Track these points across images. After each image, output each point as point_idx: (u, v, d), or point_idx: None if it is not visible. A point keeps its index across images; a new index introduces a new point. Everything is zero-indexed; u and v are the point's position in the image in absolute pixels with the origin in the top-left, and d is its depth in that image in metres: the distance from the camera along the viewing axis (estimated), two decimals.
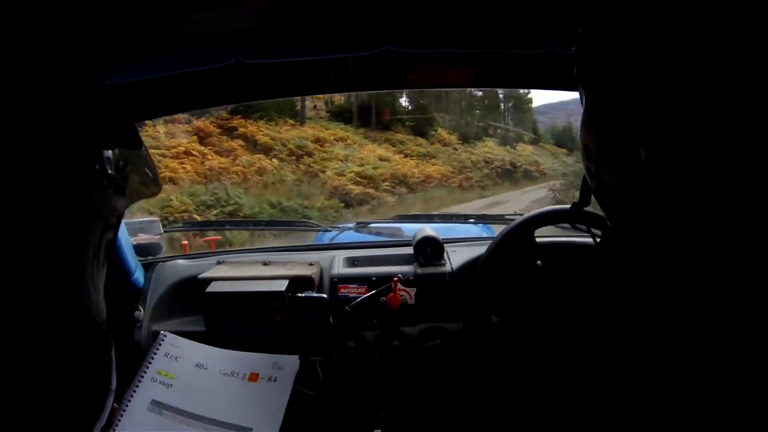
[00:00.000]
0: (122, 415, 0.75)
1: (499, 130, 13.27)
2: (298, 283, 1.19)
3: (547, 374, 1.06)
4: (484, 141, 12.49)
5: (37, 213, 0.48)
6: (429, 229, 1.32)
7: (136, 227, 1.34)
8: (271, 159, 9.15)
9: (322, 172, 9.39)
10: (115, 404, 0.75)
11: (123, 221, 1.17)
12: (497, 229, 1.21)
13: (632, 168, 0.51)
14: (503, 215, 1.56)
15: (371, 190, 9.46)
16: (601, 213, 1.01)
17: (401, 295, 1.18)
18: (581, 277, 1.05)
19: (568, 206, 1.05)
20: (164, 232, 1.40)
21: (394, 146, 11.27)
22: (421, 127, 11.89)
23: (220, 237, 1.74)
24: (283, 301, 1.14)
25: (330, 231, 1.69)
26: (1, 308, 0.46)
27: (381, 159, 10.50)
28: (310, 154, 9.69)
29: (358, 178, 9.57)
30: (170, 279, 1.26)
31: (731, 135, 0.45)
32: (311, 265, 1.27)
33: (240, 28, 0.72)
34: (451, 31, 0.76)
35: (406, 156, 11.07)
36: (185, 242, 1.71)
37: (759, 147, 0.44)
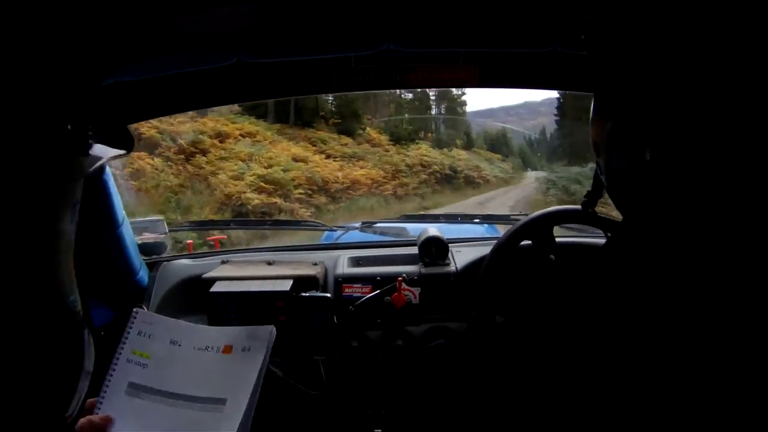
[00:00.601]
0: (101, 402, 0.73)
1: (431, 134, 12.10)
2: (302, 282, 1.19)
3: (550, 375, 1.05)
4: (418, 143, 11.00)
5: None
6: (434, 229, 1.32)
7: (141, 226, 1.34)
8: (153, 158, 7.10)
9: (215, 174, 7.33)
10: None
11: (128, 220, 1.18)
12: (502, 229, 1.21)
13: (639, 166, 0.50)
14: (508, 215, 1.55)
15: (278, 200, 7.33)
16: (608, 214, 1.01)
17: (406, 295, 1.17)
18: (587, 278, 1.04)
19: (578, 206, 1.04)
20: (169, 231, 1.40)
21: (314, 145, 9.30)
22: (347, 125, 10.24)
23: (224, 236, 1.74)
24: (288, 301, 1.14)
25: (335, 231, 1.69)
26: None
27: (296, 159, 8.40)
28: (204, 152, 7.58)
29: (262, 183, 7.42)
30: (174, 278, 1.26)
31: (735, 136, 0.45)
32: (316, 264, 1.27)
33: (241, 28, 0.72)
34: (452, 30, 0.76)
35: (328, 157, 9.10)
36: (190, 241, 1.72)
37: (761, 148, 0.44)
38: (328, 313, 1.15)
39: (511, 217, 1.52)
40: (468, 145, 12.54)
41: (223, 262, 1.30)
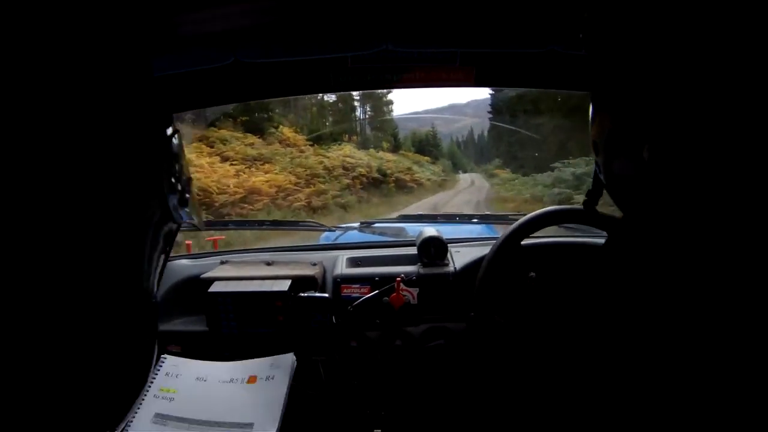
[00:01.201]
0: (126, 431, 0.75)
1: (356, 136, 10.52)
2: (301, 283, 1.19)
3: (549, 374, 1.05)
4: (341, 144, 9.17)
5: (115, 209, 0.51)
6: (433, 229, 1.32)
7: None
8: None
9: None
10: None
11: None
12: (500, 229, 1.21)
13: (638, 164, 0.51)
14: (507, 215, 1.55)
15: None
16: (606, 212, 1.01)
17: (404, 295, 1.17)
18: (584, 277, 1.04)
19: (576, 206, 1.04)
20: None
21: (211, 146, 7.38)
22: (257, 123, 8.37)
23: (224, 237, 1.74)
24: (286, 301, 1.14)
25: (333, 231, 1.69)
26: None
27: None
28: None
29: None
30: (173, 278, 1.26)
31: (733, 135, 0.45)
32: (314, 265, 1.27)
33: (239, 28, 0.72)
34: (449, 30, 0.76)
35: (225, 160, 7.23)
36: (189, 242, 1.71)
37: (759, 147, 0.44)
38: (327, 314, 1.15)
39: (510, 216, 1.52)
40: (395, 148, 11.05)
41: (222, 263, 1.30)
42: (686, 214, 0.50)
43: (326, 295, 1.16)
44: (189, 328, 1.18)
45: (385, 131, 11.31)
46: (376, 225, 1.71)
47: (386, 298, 1.18)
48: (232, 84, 0.93)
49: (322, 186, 7.84)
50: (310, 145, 8.56)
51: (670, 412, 0.52)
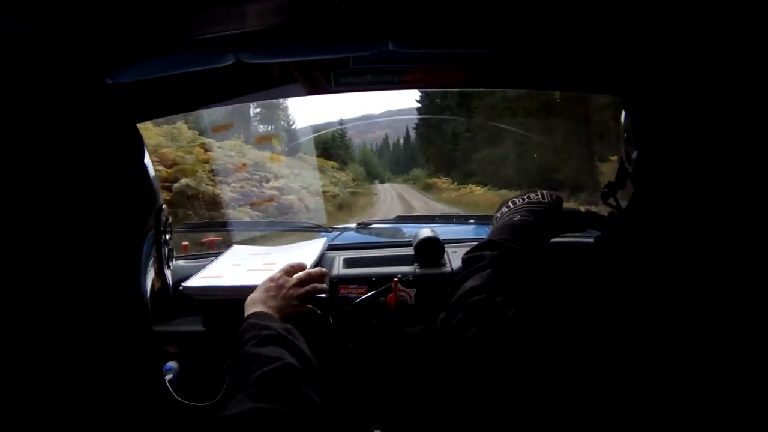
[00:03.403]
0: None
1: (243, 134, 8.15)
2: None
3: (550, 373, 1.06)
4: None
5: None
6: (429, 230, 1.32)
7: None
8: None
9: None
10: None
11: None
12: None
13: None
14: None
15: None
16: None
17: (401, 296, 1.18)
18: (580, 275, 1.04)
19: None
20: None
21: None
22: None
23: (220, 238, 1.73)
24: None
25: (330, 231, 1.69)
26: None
27: None
28: None
29: None
30: (171, 279, 1.25)
31: (731, 133, 0.46)
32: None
33: (240, 29, 0.72)
34: (451, 31, 0.76)
35: None
36: (185, 243, 1.71)
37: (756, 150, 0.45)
38: (324, 314, 1.15)
39: None
40: (293, 150, 8.55)
41: None
42: (683, 212, 0.51)
43: (324, 294, 1.16)
44: (186, 328, 1.18)
45: (276, 126, 8.36)
46: (373, 226, 1.71)
47: (383, 299, 1.18)
48: (234, 84, 0.93)
49: None
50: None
51: (666, 411, 0.52)
